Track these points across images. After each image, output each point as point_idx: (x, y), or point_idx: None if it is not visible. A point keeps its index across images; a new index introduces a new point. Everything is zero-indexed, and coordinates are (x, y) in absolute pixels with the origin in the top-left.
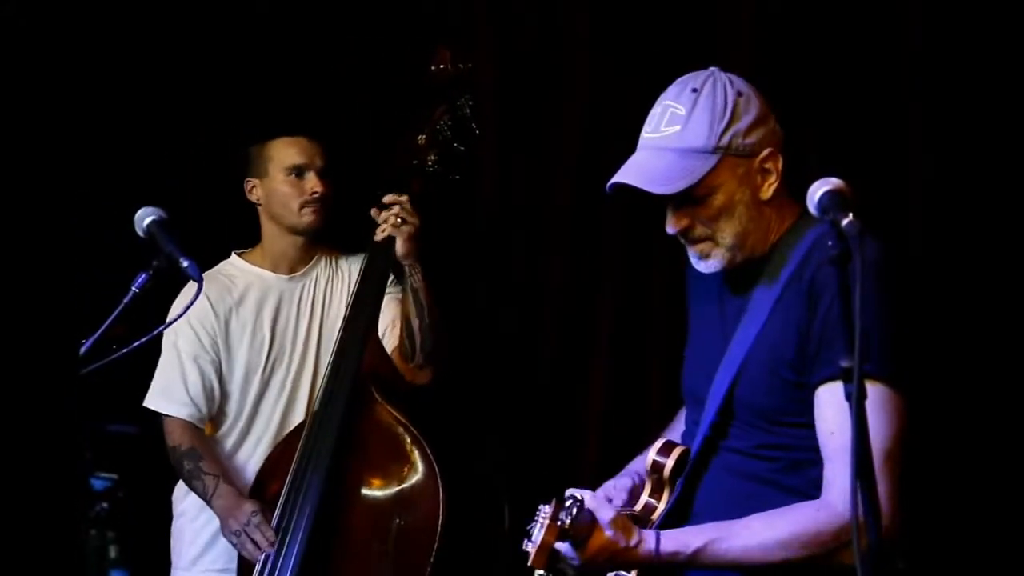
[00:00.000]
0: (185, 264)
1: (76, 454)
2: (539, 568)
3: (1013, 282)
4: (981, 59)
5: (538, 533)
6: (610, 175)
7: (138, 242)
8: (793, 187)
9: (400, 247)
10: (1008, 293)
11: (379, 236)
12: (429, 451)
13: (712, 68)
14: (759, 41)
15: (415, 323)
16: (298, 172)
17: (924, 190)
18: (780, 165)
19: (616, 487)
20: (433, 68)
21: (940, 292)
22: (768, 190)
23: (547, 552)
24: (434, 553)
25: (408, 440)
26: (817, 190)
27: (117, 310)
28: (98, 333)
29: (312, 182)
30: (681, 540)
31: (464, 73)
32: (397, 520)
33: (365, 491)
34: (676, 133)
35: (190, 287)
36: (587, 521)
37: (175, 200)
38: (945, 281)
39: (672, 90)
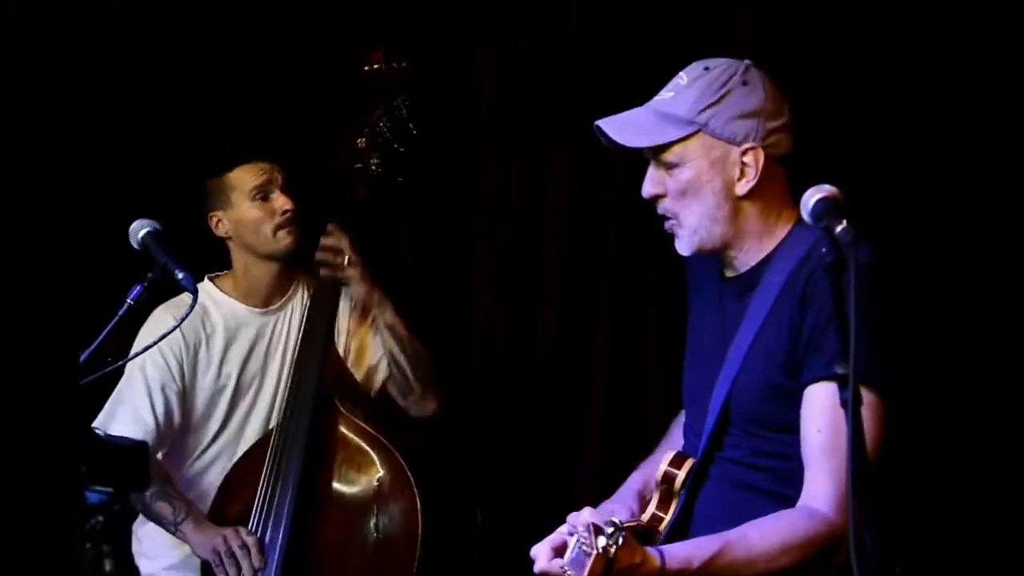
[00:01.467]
0: (180, 276)
1: (71, 467)
2: None
3: (1013, 284)
4: (981, 60)
5: (577, 560)
6: (610, 175)
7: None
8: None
9: (355, 291)
10: (1007, 295)
11: (322, 274)
12: (403, 461)
13: (745, 60)
14: (759, 42)
15: (400, 358)
16: (263, 195)
17: (924, 192)
18: (761, 163)
19: (620, 509)
20: (367, 68)
21: (939, 294)
22: (742, 185)
23: None
24: (417, 561)
25: (377, 450)
26: (810, 197)
27: (112, 323)
28: (93, 345)
29: (280, 200)
30: (685, 556)
31: (399, 72)
32: (375, 532)
33: (338, 504)
34: (668, 98)
35: (157, 314)
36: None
37: (169, 204)
38: (944, 283)
39: (693, 64)
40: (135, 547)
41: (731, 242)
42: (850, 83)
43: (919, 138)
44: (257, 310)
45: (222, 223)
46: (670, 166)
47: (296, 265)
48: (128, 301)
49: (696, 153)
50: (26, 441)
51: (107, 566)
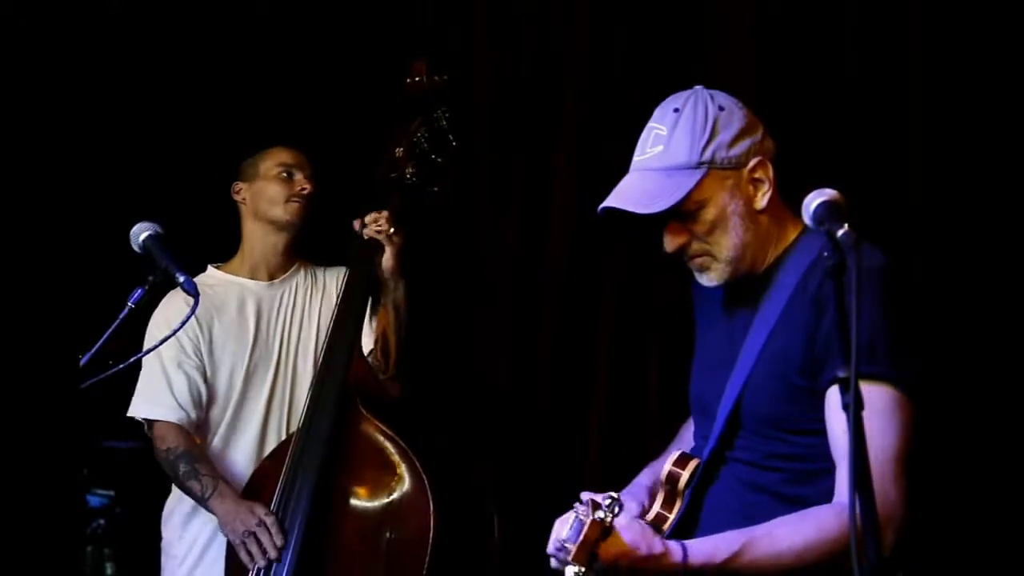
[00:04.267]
0: (181, 279)
1: (73, 470)
2: (579, 564)
3: (1012, 285)
4: (980, 60)
5: (575, 530)
6: (610, 174)
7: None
8: (794, 201)
9: (386, 261)
10: (1007, 296)
11: (367, 235)
12: (418, 464)
13: (696, 87)
14: (759, 41)
15: (393, 338)
16: (288, 172)
17: (924, 192)
18: (771, 173)
19: (628, 501)
20: (409, 81)
21: (938, 294)
22: (762, 199)
23: (588, 549)
24: (427, 566)
25: (396, 453)
26: (812, 201)
27: (114, 325)
28: (95, 348)
29: (301, 181)
30: (708, 552)
31: (440, 85)
32: (388, 533)
33: (354, 505)
34: (659, 153)
35: (171, 296)
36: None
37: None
38: (945, 285)
39: (657, 112)
40: (164, 544)
41: (757, 257)
42: (850, 85)
43: (919, 139)
44: (263, 283)
45: (243, 191)
46: (691, 213)
47: (297, 253)
48: (129, 304)
49: (713, 190)
50: (27, 445)
51: (108, 569)
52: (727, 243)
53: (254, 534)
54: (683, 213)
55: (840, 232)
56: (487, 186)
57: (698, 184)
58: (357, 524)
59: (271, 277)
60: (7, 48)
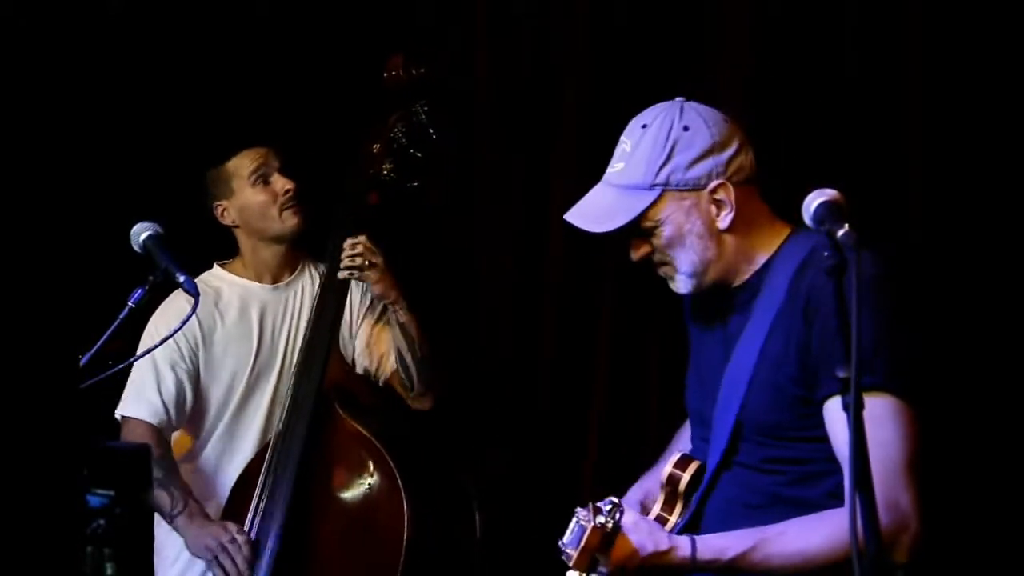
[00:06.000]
0: (182, 279)
1: (73, 470)
2: (580, 570)
3: (1013, 287)
4: (980, 60)
5: (575, 536)
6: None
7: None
8: (794, 202)
9: (374, 290)
10: (1009, 297)
11: (341, 276)
12: (393, 464)
13: (677, 99)
14: (759, 42)
15: (407, 357)
16: (263, 178)
17: (924, 194)
18: (733, 196)
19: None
20: (386, 75)
21: (939, 296)
22: (723, 219)
23: (589, 555)
24: (401, 566)
25: (371, 455)
26: (812, 201)
27: (114, 325)
28: (95, 348)
29: (280, 182)
30: (718, 546)
31: (418, 78)
32: (363, 533)
33: (331, 505)
34: (619, 171)
35: (172, 298)
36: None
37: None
38: (944, 285)
39: (631, 123)
40: (157, 541)
41: (727, 272)
42: (850, 85)
43: (919, 139)
44: (268, 286)
45: (227, 212)
46: (648, 230)
47: (301, 248)
48: (129, 304)
49: (669, 210)
50: (27, 445)
51: (108, 570)
52: (686, 259)
53: (226, 551)
54: (641, 229)
55: (840, 233)
56: (487, 186)
57: (653, 204)
58: (334, 524)
59: (276, 280)
60: (7, 48)
